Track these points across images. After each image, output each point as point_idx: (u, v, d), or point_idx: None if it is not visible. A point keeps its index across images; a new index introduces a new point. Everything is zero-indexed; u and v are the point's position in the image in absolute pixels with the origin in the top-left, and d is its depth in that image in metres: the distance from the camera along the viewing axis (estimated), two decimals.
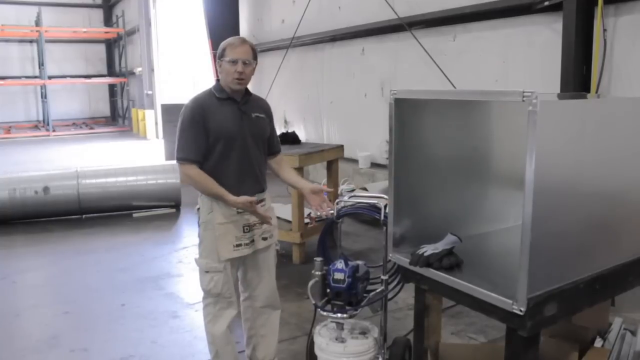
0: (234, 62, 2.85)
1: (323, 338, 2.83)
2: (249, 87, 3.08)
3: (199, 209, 3.06)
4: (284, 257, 5.57)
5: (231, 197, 2.86)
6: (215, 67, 3.00)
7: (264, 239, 3.10)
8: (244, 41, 2.93)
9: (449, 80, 6.53)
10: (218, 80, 3.00)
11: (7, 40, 22.52)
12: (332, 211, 3.07)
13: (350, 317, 2.78)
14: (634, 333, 2.98)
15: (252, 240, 3.03)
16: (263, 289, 3.19)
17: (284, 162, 3.34)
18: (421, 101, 2.54)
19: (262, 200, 3.08)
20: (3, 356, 3.81)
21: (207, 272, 2.99)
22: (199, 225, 3.04)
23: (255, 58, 2.95)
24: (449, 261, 2.32)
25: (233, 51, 2.87)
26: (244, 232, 2.98)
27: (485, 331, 3.81)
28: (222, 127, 2.90)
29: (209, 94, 2.98)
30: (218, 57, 2.93)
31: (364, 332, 2.88)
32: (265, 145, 3.13)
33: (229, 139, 2.91)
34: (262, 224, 3.06)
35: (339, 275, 2.71)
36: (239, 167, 2.96)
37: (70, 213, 7.55)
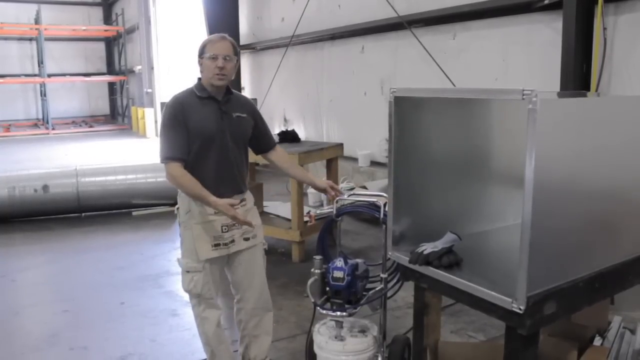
0: (214, 58, 2.82)
1: (322, 336, 2.83)
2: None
3: (177, 208, 3.04)
4: (283, 256, 5.57)
5: (212, 199, 2.79)
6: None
7: (246, 239, 3.06)
8: (223, 37, 2.91)
9: (449, 79, 6.53)
10: (200, 78, 2.96)
11: (6, 38, 22.47)
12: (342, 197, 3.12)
13: (350, 315, 2.78)
14: (633, 332, 2.98)
15: (232, 241, 3.00)
16: (253, 292, 3.16)
17: (288, 157, 3.28)
18: (421, 99, 2.54)
19: (242, 200, 3.04)
20: (3, 354, 3.81)
21: (187, 272, 2.97)
22: (179, 225, 3.04)
23: (236, 54, 2.92)
24: (449, 259, 2.32)
25: (213, 47, 2.85)
26: (222, 231, 2.95)
27: (485, 329, 3.81)
28: (201, 127, 2.86)
29: (189, 93, 2.94)
30: (199, 55, 2.90)
31: (363, 331, 2.88)
32: (246, 146, 3.10)
33: (207, 139, 2.87)
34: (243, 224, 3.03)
35: (338, 274, 2.71)
36: (217, 168, 2.92)
37: (70, 211, 7.54)
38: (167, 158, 2.85)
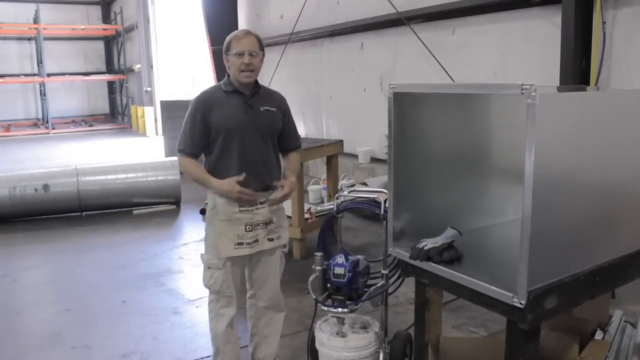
0: (240, 54, 2.82)
1: (324, 333, 2.84)
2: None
3: (206, 203, 3.03)
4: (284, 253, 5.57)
5: (213, 182, 2.86)
6: (222, 63, 2.96)
7: (270, 239, 3.03)
8: (248, 32, 2.91)
9: (448, 75, 6.52)
10: (228, 75, 2.95)
11: (5, 38, 22.49)
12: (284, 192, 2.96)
13: (351, 311, 2.78)
14: (634, 325, 2.98)
15: (256, 240, 2.97)
16: (267, 290, 3.16)
17: (292, 162, 3.18)
18: (420, 95, 2.54)
19: (267, 200, 2.99)
20: (5, 353, 3.82)
21: (208, 268, 2.99)
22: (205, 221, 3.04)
23: (262, 49, 2.91)
24: (449, 255, 2.32)
25: (238, 43, 2.84)
26: (246, 230, 2.93)
27: (486, 325, 3.82)
28: (224, 121, 2.87)
29: (217, 88, 2.98)
30: (224, 52, 2.90)
31: (364, 327, 2.89)
32: (275, 141, 3.03)
33: (229, 133, 2.87)
34: (267, 225, 2.99)
35: (339, 270, 2.71)
36: (241, 162, 2.89)
37: (71, 210, 7.55)
38: (179, 150, 2.95)
